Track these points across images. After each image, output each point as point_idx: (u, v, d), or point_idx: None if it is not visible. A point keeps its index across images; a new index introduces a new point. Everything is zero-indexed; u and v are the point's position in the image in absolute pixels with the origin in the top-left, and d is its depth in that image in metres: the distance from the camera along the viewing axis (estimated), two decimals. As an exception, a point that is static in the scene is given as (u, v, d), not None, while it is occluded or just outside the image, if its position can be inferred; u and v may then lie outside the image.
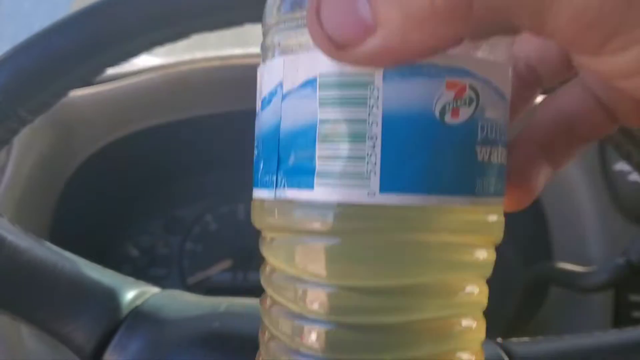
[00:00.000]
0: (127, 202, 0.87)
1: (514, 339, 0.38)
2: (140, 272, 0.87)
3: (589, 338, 0.37)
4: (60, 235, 0.72)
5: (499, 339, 0.38)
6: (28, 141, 0.70)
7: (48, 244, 0.38)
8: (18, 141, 0.70)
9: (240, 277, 0.88)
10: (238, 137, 0.82)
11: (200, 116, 0.74)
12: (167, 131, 0.76)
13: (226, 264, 0.89)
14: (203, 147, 0.85)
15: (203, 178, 0.90)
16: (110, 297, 0.37)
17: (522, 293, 0.74)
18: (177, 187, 0.89)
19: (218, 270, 0.89)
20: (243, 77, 0.69)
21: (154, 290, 0.40)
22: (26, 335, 0.70)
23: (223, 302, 0.39)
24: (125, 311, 0.37)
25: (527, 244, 0.83)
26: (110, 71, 0.72)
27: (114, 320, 0.36)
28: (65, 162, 0.74)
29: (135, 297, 0.38)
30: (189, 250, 0.89)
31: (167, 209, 0.90)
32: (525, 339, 0.38)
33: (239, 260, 0.88)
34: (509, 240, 0.78)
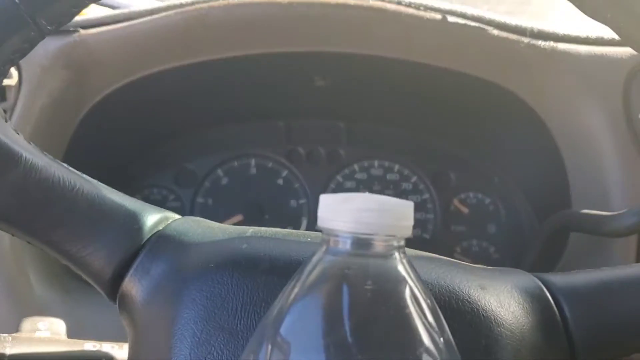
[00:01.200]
0: (138, 152, 0.85)
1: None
2: None
3: (627, 268, 0.36)
4: None
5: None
6: (38, 81, 0.67)
7: (66, 165, 0.36)
8: (27, 81, 0.68)
9: None
10: (257, 85, 0.81)
11: (219, 59, 0.72)
12: (182, 76, 0.74)
13: (237, 218, 0.87)
14: (218, 96, 0.82)
15: (216, 130, 0.88)
16: (132, 220, 0.35)
17: (540, 243, 0.73)
18: (188, 139, 0.87)
19: (229, 224, 0.87)
20: (265, 15, 0.67)
21: (177, 216, 0.39)
22: (35, 282, 0.69)
23: (249, 229, 0.37)
24: (147, 234, 0.35)
25: (542, 196, 0.82)
26: (126, 9, 0.72)
27: (135, 244, 0.34)
28: (76, 105, 0.72)
29: (158, 222, 0.36)
30: (200, 204, 0.88)
31: (178, 161, 0.88)
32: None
33: (250, 215, 0.87)
34: (519, 192, 0.78)
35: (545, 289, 0.34)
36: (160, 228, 0.36)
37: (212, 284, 0.32)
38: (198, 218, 0.39)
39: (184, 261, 0.34)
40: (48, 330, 0.48)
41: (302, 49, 0.71)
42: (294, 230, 0.37)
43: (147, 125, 0.82)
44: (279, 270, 0.32)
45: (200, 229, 0.36)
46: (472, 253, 0.86)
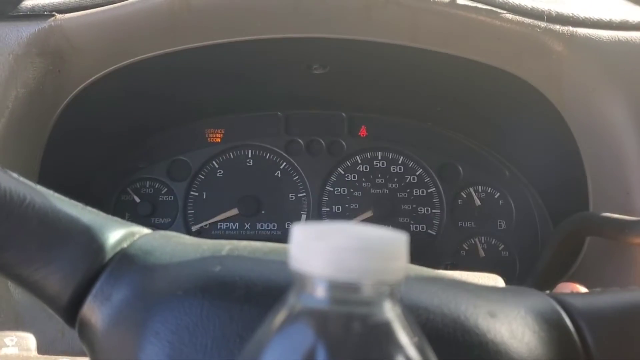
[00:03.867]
0: (126, 144, 0.82)
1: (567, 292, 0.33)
2: (142, 221, 0.81)
3: None
4: (50, 180, 0.66)
5: (548, 292, 0.33)
6: (10, 70, 0.62)
7: (15, 174, 0.32)
8: (-1, 71, 0.63)
9: (248, 226, 0.84)
10: (253, 73, 0.77)
11: (207, 46, 0.67)
12: (169, 64, 0.69)
13: (233, 212, 0.84)
14: (210, 85, 0.78)
15: (210, 121, 0.84)
16: (91, 237, 0.31)
17: (554, 247, 0.68)
18: (181, 129, 0.84)
19: (224, 218, 0.84)
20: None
21: (145, 231, 0.34)
22: (13, 287, 0.65)
23: (226, 245, 0.33)
24: (108, 254, 0.31)
25: (557, 192, 0.77)
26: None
27: (94, 265, 0.30)
28: (55, 96, 0.67)
29: (122, 239, 0.32)
30: (194, 197, 0.84)
31: (170, 153, 0.84)
32: (579, 290, 0.34)
33: (246, 209, 0.84)
34: (532, 188, 0.72)
35: (564, 314, 0.30)
36: (125, 246, 0.32)
37: (178, 315, 0.28)
38: (170, 233, 0.35)
39: (148, 286, 0.30)
40: (16, 347, 0.44)
41: (298, 34, 0.66)
42: (277, 245, 0.33)
43: (135, 116, 0.78)
44: (257, 299, 0.29)
45: (170, 246, 0.32)
46: (479, 251, 0.82)
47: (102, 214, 0.33)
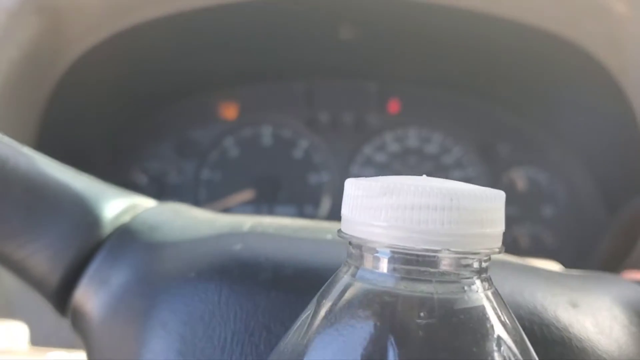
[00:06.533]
0: (132, 118, 0.76)
1: None
2: None
3: None
4: (48, 155, 0.61)
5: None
6: (3, 30, 0.58)
7: None
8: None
9: (265, 210, 0.78)
10: (270, 38, 0.72)
11: (219, 5, 0.62)
12: (178, 25, 0.64)
13: (248, 195, 0.78)
14: (224, 51, 0.72)
15: (222, 93, 0.78)
16: (86, 208, 0.27)
17: (612, 235, 0.64)
18: (191, 102, 0.78)
19: (239, 202, 0.77)
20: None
21: (150, 202, 0.31)
22: (3, 272, 0.60)
23: (247, 221, 0.29)
24: (107, 229, 0.27)
25: (612, 174, 0.72)
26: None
27: (89, 242, 0.27)
28: (54, 60, 0.62)
29: (123, 211, 0.28)
30: (206, 178, 0.78)
31: (180, 129, 0.78)
32: None
33: (264, 192, 0.77)
34: (583, 169, 0.67)
35: None
36: (126, 219, 0.28)
37: (191, 302, 0.24)
38: (179, 205, 0.31)
39: (154, 267, 0.26)
40: (5, 338, 0.40)
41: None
42: (308, 222, 0.30)
43: (142, 86, 0.73)
44: (287, 283, 0.25)
45: (180, 220, 0.29)
46: (524, 239, 0.76)
47: (99, 182, 0.29)
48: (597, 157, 0.74)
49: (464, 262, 0.16)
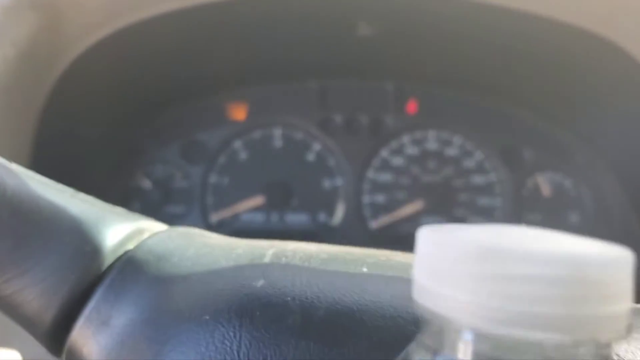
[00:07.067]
0: (136, 119, 0.73)
1: None
2: (153, 210, 0.74)
3: None
4: (46, 160, 0.59)
5: None
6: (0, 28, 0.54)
7: None
8: (-14, 28, 0.55)
9: (275, 218, 0.74)
10: (282, 35, 0.69)
11: (229, 1, 0.59)
12: (184, 22, 0.60)
13: (258, 200, 0.74)
14: (233, 49, 0.69)
15: (231, 93, 0.75)
16: (84, 235, 0.24)
17: None
18: (197, 103, 0.75)
19: (248, 208, 0.74)
20: None
21: (158, 226, 0.28)
22: None
23: (267, 248, 0.26)
24: (108, 259, 0.25)
25: None
26: None
27: (88, 274, 0.24)
28: (52, 59, 0.59)
29: (127, 238, 0.26)
30: (213, 183, 0.75)
31: (186, 131, 0.75)
32: None
33: (274, 197, 0.74)
34: (611, 174, 0.65)
35: None
36: (130, 247, 0.25)
37: (206, 351, 0.22)
38: (192, 230, 0.28)
39: (162, 306, 0.23)
40: None
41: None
42: (338, 249, 0.26)
43: (145, 86, 0.70)
44: (318, 329, 0.22)
45: (193, 248, 0.26)
46: None
47: (99, 203, 0.26)
48: (627, 162, 0.71)
49: (586, 351, 0.13)
